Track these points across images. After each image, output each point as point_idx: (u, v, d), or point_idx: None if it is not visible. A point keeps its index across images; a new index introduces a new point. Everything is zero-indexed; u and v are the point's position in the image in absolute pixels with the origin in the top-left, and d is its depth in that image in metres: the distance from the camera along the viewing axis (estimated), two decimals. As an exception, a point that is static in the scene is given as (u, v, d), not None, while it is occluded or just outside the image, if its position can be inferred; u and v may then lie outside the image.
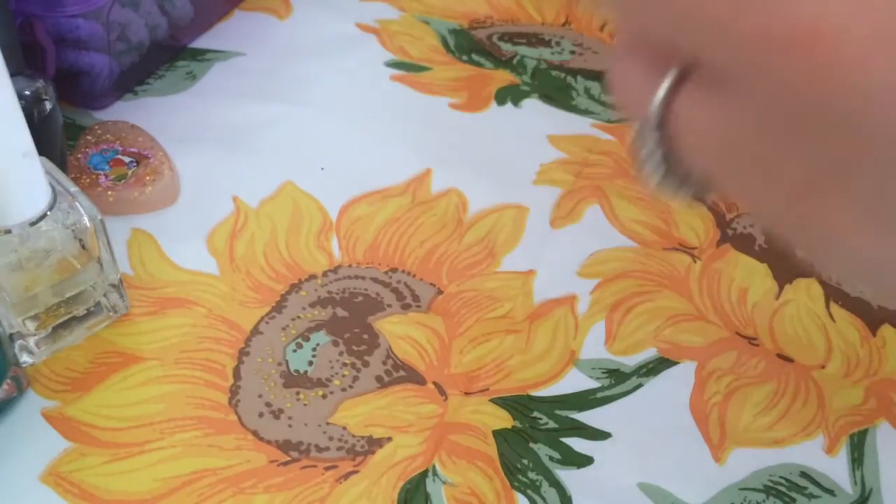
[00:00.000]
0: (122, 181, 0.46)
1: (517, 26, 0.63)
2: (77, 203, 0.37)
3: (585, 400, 0.40)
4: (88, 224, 0.37)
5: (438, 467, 0.37)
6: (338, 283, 0.44)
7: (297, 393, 0.39)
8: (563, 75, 0.58)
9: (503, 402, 0.39)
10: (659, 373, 0.41)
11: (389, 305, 0.43)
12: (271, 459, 0.36)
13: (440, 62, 0.58)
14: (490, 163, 0.51)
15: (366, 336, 0.41)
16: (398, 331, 0.42)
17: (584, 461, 0.38)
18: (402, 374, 0.40)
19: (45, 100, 0.41)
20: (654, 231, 0.48)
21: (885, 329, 0.44)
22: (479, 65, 0.58)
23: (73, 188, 0.37)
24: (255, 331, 0.41)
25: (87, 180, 0.46)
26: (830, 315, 0.45)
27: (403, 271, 0.45)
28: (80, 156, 0.47)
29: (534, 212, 0.48)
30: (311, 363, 0.40)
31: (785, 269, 0.47)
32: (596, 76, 0.58)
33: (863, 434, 0.40)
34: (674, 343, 0.43)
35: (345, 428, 0.38)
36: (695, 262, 0.47)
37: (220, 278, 0.43)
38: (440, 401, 0.39)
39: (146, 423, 0.37)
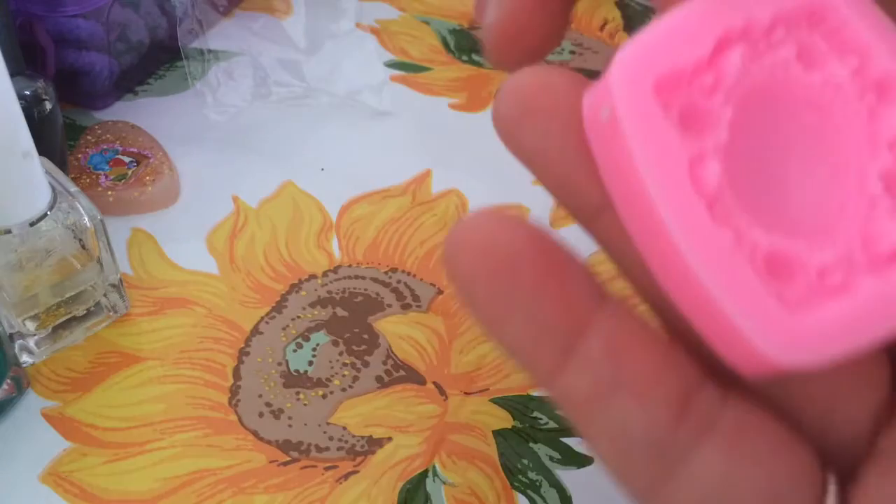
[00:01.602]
0: (123, 181, 0.46)
1: (517, 26, 0.62)
2: (77, 203, 0.37)
3: (585, 400, 0.40)
4: (88, 224, 0.37)
5: (438, 467, 0.37)
6: (338, 283, 0.44)
7: (297, 393, 0.39)
8: (563, 75, 0.58)
9: (503, 402, 0.39)
10: (659, 373, 0.41)
11: (389, 305, 0.43)
12: (271, 459, 0.36)
13: (440, 62, 0.58)
14: (490, 163, 0.51)
15: (366, 336, 0.41)
16: (398, 331, 0.42)
17: (584, 461, 0.38)
18: (402, 374, 0.40)
19: (45, 100, 0.41)
20: (654, 231, 0.48)
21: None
22: (479, 65, 0.58)
23: (73, 188, 0.37)
24: (255, 331, 0.41)
25: (87, 180, 0.46)
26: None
27: (403, 271, 0.45)
28: (80, 156, 0.47)
29: (534, 212, 0.48)
30: (311, 363, 0.40)
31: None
32: (596, 76, 0.58)
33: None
34: (674, 343, 0.43)
35: (345, 428, 0.38)
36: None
37: (220, 278, 0.43)
38: (440, 401, 0.39)
39: (146, 424, 0.37)
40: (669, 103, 0.16)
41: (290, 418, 0.38)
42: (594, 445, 0.16)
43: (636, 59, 0.16)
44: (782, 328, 0.15)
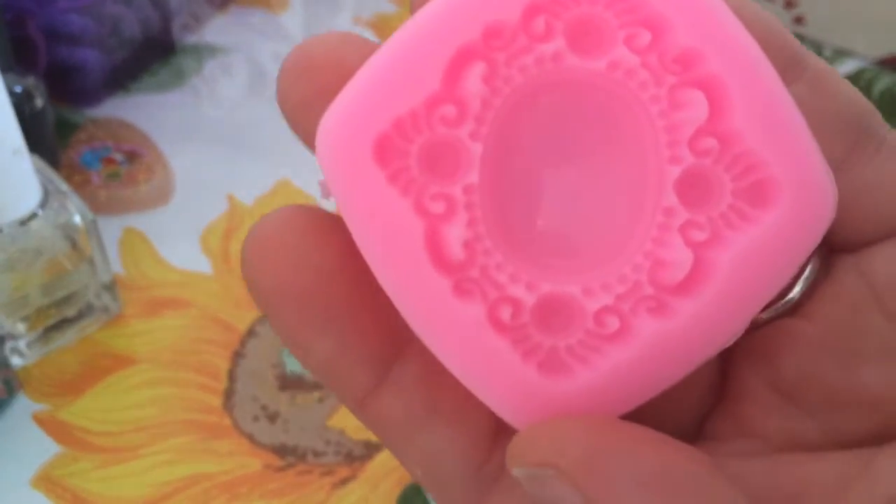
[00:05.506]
0: (115, 179, 0.46)
1: (515, 22, 0.62)
2: (68, 202, 0.36)
3: (586, 403, 0.39)
4: (80, 223, 0.36)
5: (437, 472, 0.36)
6: (334, 284, 0.43)
7: (294, 396, 0.38)
8: (562, 72, 0.58)
9: (503, 406, 0.39)
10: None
11: (387, 306, 0.42)
12: (266, 464, 0.36)
13: (438, 59, 0.58)
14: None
15: (363, 338, 0.41)
16: (396, 332, 0.41)
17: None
18: (400, 376, 0.40)
19: (36, 96, 0.41)
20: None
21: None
22: (477, 61, 0.58)
23: (65, 187, 0.37)
24: (251, 332, 0.41)
25: (79, 178, 0.45)
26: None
27: (401, 271, 0.44)
28: (71, 154, 0.47)
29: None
30: (307, 365, 0.39)
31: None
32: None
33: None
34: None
35: (342, 432, 0.37)
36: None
37: (215, 278, 0.43)
38: (439, 404, 0.39)
39: (139, 428, 0.37)
40: (400, 164, 0.13)
41: (286, 422, 0.37)
42: (410, 470, 0.16)
43: (343, 122, 0.13)
44: (539, 403, 0.13)
